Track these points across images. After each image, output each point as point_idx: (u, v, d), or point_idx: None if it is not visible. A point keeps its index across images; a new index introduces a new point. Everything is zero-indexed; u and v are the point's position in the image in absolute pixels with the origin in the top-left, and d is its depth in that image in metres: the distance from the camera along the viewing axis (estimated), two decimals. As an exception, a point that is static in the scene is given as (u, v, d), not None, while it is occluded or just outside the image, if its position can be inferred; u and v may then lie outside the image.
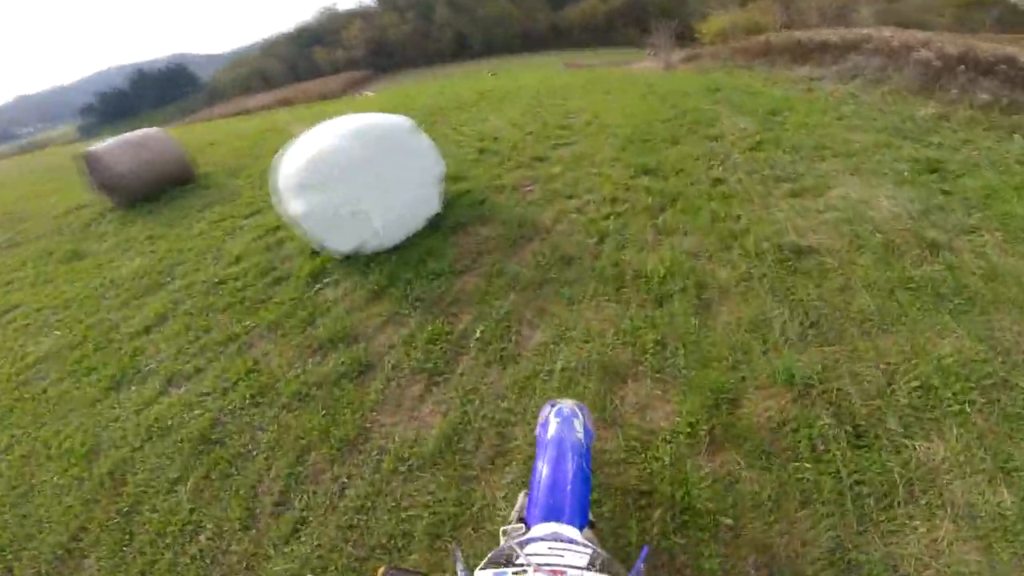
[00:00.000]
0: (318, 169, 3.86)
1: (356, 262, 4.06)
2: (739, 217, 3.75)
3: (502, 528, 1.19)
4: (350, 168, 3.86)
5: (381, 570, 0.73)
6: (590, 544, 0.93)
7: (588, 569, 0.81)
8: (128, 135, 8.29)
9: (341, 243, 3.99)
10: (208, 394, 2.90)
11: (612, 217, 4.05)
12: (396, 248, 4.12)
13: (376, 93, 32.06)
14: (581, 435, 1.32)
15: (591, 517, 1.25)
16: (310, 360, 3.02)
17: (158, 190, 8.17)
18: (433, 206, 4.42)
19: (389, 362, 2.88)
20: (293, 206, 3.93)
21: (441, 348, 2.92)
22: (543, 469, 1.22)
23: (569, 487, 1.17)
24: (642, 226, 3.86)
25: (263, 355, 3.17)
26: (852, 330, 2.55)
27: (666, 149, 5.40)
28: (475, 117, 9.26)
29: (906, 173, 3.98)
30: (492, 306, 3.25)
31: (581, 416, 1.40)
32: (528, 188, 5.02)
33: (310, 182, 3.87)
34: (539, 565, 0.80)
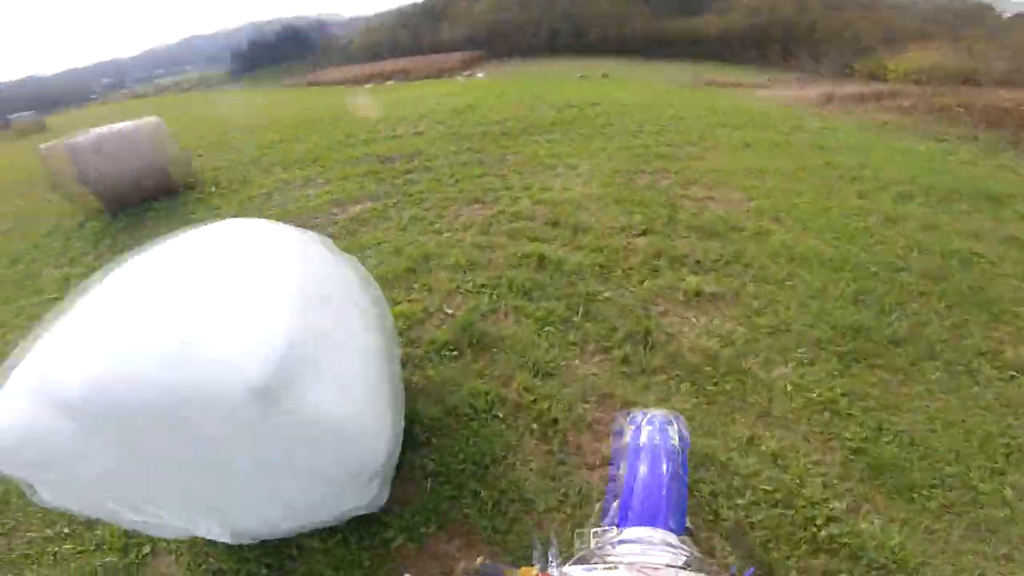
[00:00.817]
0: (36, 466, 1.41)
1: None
2: None
3: (592, 530, 1.07)
4: (119, 475, 1.47)
5: (480, 559, 0.66)
6: (686, 547, 0.85)
7: (685, 568, 0.72)
8: (107, 128, 6.64)
9: (164, 534, 1.77)
10: None
11: None
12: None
13: (480, 77, 30.06)
14: (676, 441, 1.21)
15: (689, 525, 1.09)
16: None
17: (136, 199, 6.54)
18: (354, 504, 1.76)
19: None
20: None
21: None
22: (635, 473, 1.12)
23: (664, 491, 1.06)
24: None
25: None
26: None
27: (918, 377, 2.38)
28: (553, 159, 6.40)
29: None
30: None
31: (676, 424, 1.28)
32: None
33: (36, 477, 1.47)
34: (631, 563, 0.72)
